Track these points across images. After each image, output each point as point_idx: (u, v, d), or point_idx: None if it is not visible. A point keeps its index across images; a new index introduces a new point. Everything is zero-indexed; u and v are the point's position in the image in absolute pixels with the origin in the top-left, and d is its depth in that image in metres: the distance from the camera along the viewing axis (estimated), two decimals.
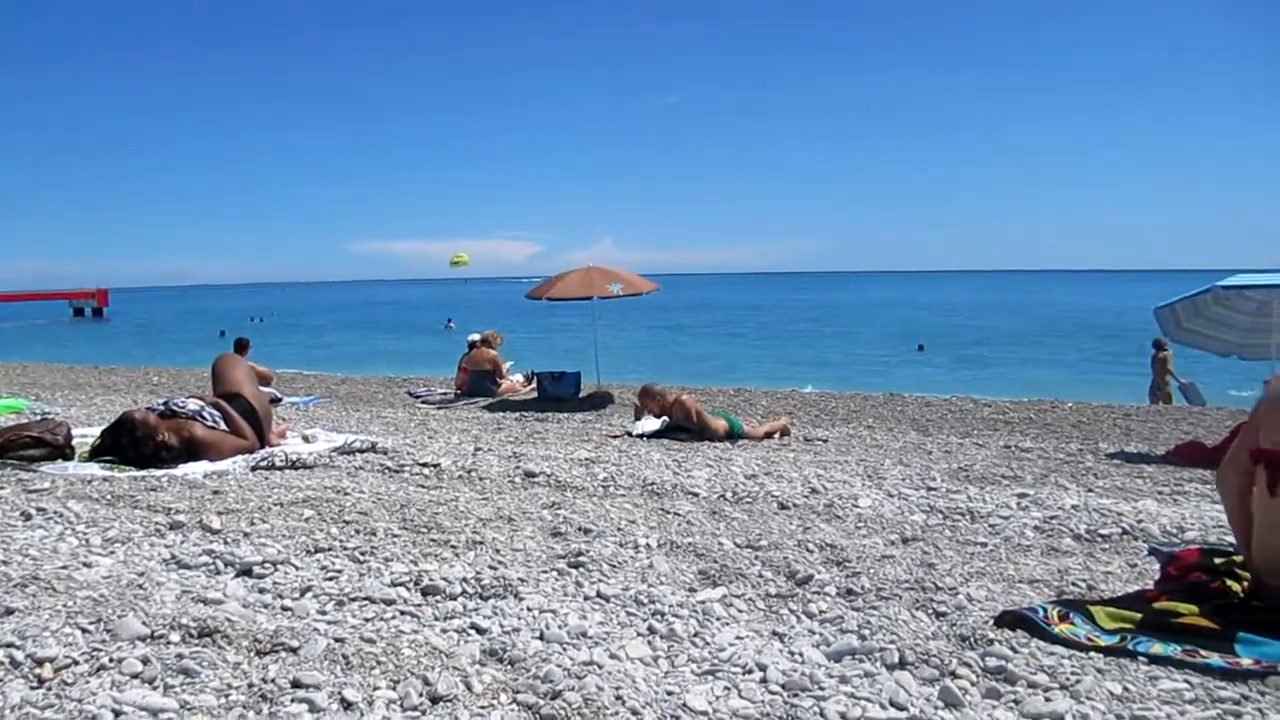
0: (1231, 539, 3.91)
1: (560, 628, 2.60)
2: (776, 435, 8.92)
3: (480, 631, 2.59)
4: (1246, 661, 2.37)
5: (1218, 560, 3.38)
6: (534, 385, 13.18)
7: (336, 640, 2.45)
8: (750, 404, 12.52)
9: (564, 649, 2.43)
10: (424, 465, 5.63)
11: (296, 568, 3.23)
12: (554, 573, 3.22)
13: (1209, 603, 2.83)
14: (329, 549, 3.50)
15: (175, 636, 2.47)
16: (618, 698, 2.08)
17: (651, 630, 2.61)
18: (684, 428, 8.59)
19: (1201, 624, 2.63)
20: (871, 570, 3.28)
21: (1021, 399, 13.08)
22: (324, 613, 2.75)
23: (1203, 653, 2.44)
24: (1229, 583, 3.08)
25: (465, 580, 3.04)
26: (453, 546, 3.57)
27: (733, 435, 8.55)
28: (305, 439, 6.77)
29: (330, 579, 3.09)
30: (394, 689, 2.17)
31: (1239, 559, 3.37)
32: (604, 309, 14.08)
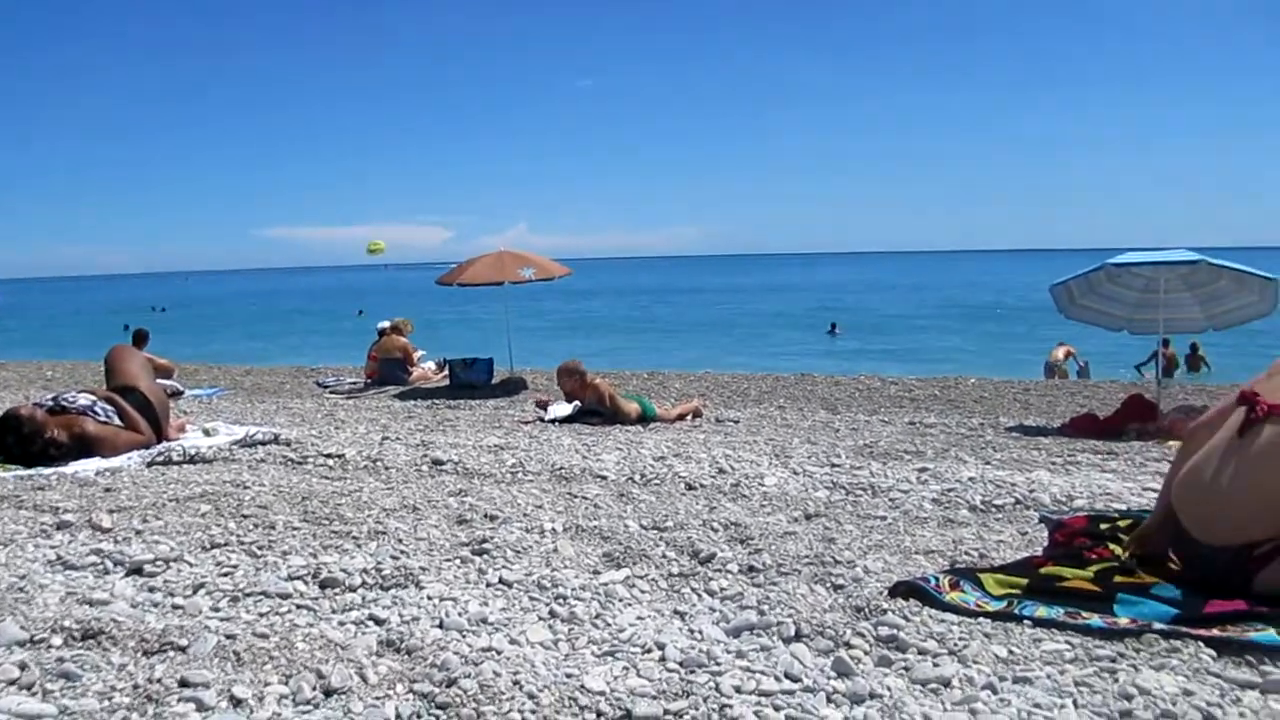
0: (1119, 506, 4.08)
1: (460, 615, 2.58)
2: (689, 417, 8.99)
3: (378, 622, 2.55)
4: (1124, 621, 2.48)
5: (1103, 526, 3.53)
6: (446, 373, 13.03)
7: (228, 637, 2.39)
8: (663, 387, 12.60)
9: (463, 636, 2.41)
10: (328, 456, 5.53)
11: (190, 565, 3.14)
12: (457, 560, 3.19)
13: (1092, 567, 2.95)
14: (225, 544, 3.41)
15: (57, 640, 2.39)
16: (515, 682, 2.08)
17: (553, 614, 2.60)
18: (596, 412, 8.59)
19: (1084, 587, 2.74)
20: (773, 547, 3.33)
21: (927, 377, 13.43)
22: (217, 609, 2.68)
23: (1084, 614, 2.53)
24: (1111, 547, 3.22)
25: (365, 571, 3.00)
26: (354, 538, 3.52)
27: (645, 418, 8.58)
28: (206, 433, 6.58)
29: (225, 575, 3.01)
30: (286, 684, 2.13)
31: (1124, 524, 3.52)
32: (516, 294, 13.98)
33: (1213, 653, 2.26)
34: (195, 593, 2.83)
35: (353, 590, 2.86)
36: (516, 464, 5.26)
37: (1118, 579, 2.82)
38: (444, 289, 13.54)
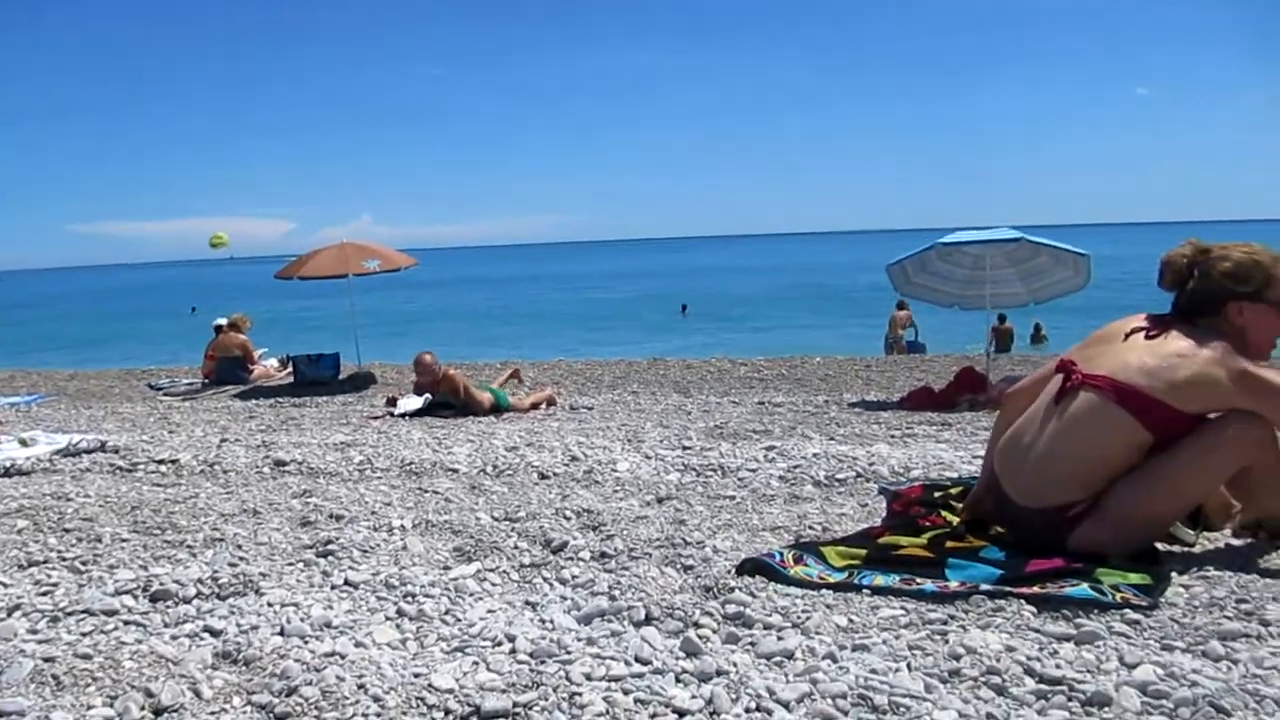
0: (951, 474, 4.29)
1: (303, 620, 2.49)
2: (543, 406, 8.97)
3: (214, 634, 2.44)
4: (954, 584, 2.60)
5: (936, 494, 3.70)
6: (289, 370, 12.57)
7: (46, 660, 2.24)
8: (517, 376, 12.51)
9: (305, 642, 2.33)
10: (160, 462, 5.26)
11: (4, 586, 2.93)
12: (300, 564, 3.08)
13: (926, 534, 3.09)
14: (44, 561, 3.20)
15: None
16: (360, 686, 2.02)
17: (400, 613, 2.55)
18: (448, 404, 8.46)
19: (918, 554, 2.87)
20: (625, 532, 3.35)
21: (775, 357, 13.77)
22: (35, 631, 2.51)
23: (918, 580, 2.65)
24: (945, 514, 3.37)
25: (201, 581, 2.86)
26: (189, 546, 3.36)
27: (498, 409, 8.51)
28: (23, 443, 6.14)
29: (44, 594, 2.82)
30: (111, 705, 2.01)
31: (955, 491, 3.70)
32: (361, 287, 13.59)
33: (1033, 609, 2.40)
34: (10, 615, 2.64)
35: (186, 602, 2.73)
36: (364, 461, 5.13)
37: (949, 544, 2.96)
38: (284, 283, 13.03)
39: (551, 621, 2.44)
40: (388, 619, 2.52)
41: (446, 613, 2.55)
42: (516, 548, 3.19)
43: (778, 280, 55.90)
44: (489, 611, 2.56)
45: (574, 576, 2.85)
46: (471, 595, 2.72)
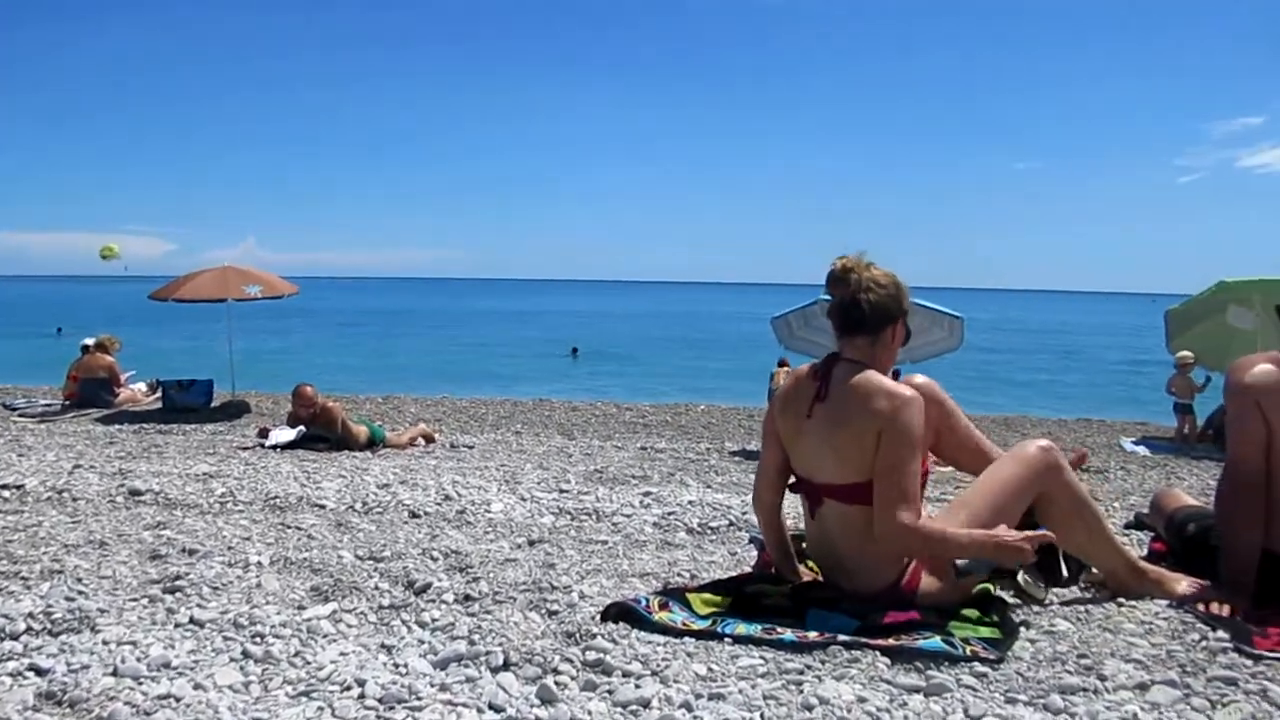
0: None
1: (139, 660, 2.35)
2: (421, 442, 8.81)
3: (40, 672, 2.28)
4: (813, 635, 2.63)
5: (804, 544, 3.75)
6: (158, 395, 12.05)
7: None
8: (399, 411, 12.29)
9: (139, 683, 2.20)
10: (4, 487, 4.94)
11: None
12: (144, 600, 2.92)
13: (789, 584, 3.12)
14: None
15: None
16: None
17: (246, 654, 2.43)
18: (323, 437, 8.23)
19: (781, 604, 2.89)
20: (492, 575, 3.29)
21: (661, 403, 13.88)
22: None
23: (779, 629, 2.67)
24: (810, 564, 3.42)
25: (32, 616, 2.68)
26: (23, 578, 3.15)
27: (374, 443, 8.32)
28: None
29: None
30: None
31: None
32: (241, 313, 13.16)
33: (887, 660, 2.44)
34: None
35: (14, 638, 2.55)
36: (226, 493, 4.93)
37: (812, 595, 3.00)
38: (159, 305, 12.52)
39: (406, 666, 2.37)
40: (232, 660, 2.41)
41: (296, 654, 2.45)
42: (377, 588, 3.10)
43: (668, 326, 56.45)
44: (341, 654, 2.47)
45: (434, 619, 2.77)
46: (325, 637, 2.62)
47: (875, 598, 2.88)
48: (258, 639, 2.56)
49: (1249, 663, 2.50)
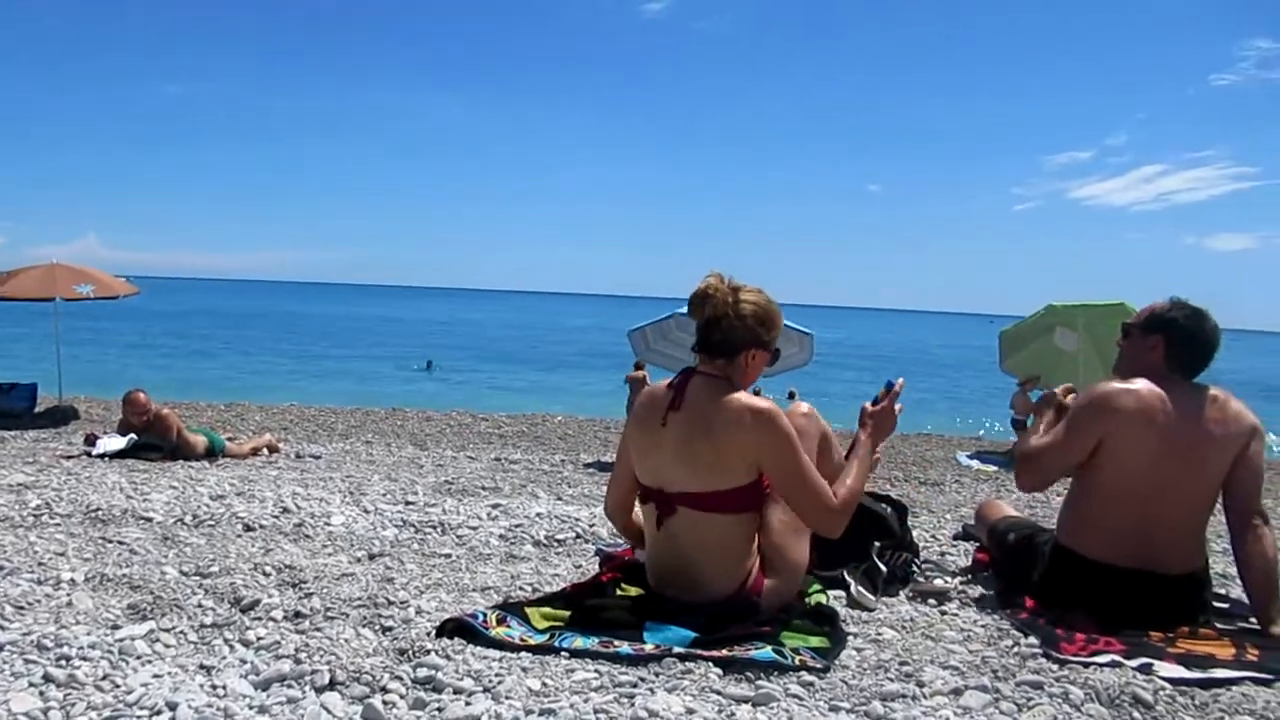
0: None
1: None
2: (264, 452, 8.48)
3: None
4: (649, 647, 2.65)
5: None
6: None
7: None
8: (242, 419, 11.81)
9: None
10: None
11: None
12: None
13: (631, 597, 3.13)
14: None
15: None
16: None
17: (48, 678, 2.27)
18: (156, 446, 7.81)
19: (620, 617, 2.90)
20: (326, 590, 3.18)
21: (517, 413, 13.79)
22: None
23: (616, 642, 2.68)
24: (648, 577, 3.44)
25: None
26: None
27: (213, 453, 7.95)
28: None
29: None
30: None
31: None
32: (71, 313, 12.39)
33: (720, 671, 2.48)
34: None
35: None
36: (42, 505, 4.61)
37: (652, 607, 3.02)
38: None
39: (224, 687, 2.26)
40: (31, 685, 2.25)
41: (104, 678, 2.31)
42: (200, 605, 2.95)
43: (530, 336, 56.21)
44: (154, 676, 2.34)
45: (259, 638, 2.66)
46: (138, 658, 2.48)
47: (722, 605, 2.93)
48: (63, 662, 2.40)
49: (1055, 667, 2.66)
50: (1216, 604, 3.46)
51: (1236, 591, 3.50)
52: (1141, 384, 3.21)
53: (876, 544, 3.67)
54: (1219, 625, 3.25)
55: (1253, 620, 3.23)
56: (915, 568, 3.72)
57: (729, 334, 2.95)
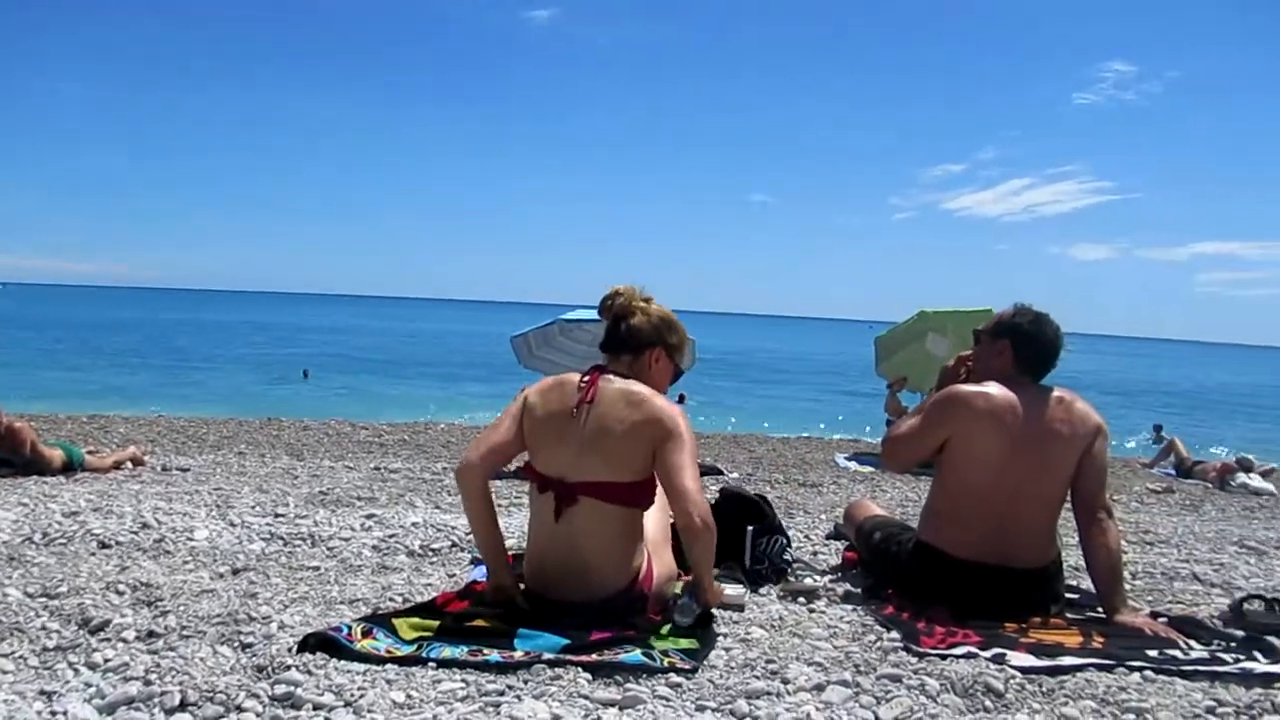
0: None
1: None
2: (127, 465, 8.09)
3: None
4: (519, 654, 2.63)
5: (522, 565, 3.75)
6: None
7: None
8: (106, 431, 11.25)
9: None
10: None
11: None
12: None
13: (500, 606, 3.11)
14: None
15: None
16: None
17: None
18: (7, 461, 7.37)
19: (490, 625, 2.88)
20: (184, 608, 3.06)
21: (398, 421, 13.52)
22: None
23: (485, 651, 2.66)
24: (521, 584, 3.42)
25: None
26: None
27: (71, 467, 7.55)
28: None
29: None
30: None
31: None
32: None
33: (589, 676, 2.48)
34: None
35: None
36: None
37: (525, 613, 3.00)
38: None
39: (65, 713, 2.16)
40: None
41: None
42: (44, 628, 2.80)
43: (409, 342, 55.21)
44: None
45: (107, 660, 2.54)
46: None
47: (613, 599, 2.95)
48: None
49: (914, 660, 2.75)
50: (1068, 595, 3.64)
51: (1087, 583, 3.68)
52: (994, 387, 3.36)
53: (750, 528, 3.76)
54: (1069, 615, 3.43)
55: (1100, 609, 3.41)
56: (788, 555, 3.82)
57: (635, 330, 3.10)
